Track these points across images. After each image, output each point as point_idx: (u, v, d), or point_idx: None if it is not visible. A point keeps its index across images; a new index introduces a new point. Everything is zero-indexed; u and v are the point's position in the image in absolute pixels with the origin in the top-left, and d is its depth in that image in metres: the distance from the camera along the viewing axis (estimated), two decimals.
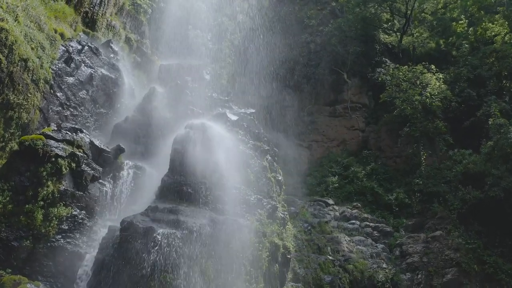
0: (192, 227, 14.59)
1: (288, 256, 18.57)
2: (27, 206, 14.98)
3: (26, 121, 17.26)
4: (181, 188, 16.02)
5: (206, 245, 14.76)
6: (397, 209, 33.36)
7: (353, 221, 32.26)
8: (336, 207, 34.40)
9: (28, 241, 14.71)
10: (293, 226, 28.69)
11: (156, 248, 13.99)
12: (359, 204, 34.45)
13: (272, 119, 41.29)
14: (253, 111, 22.52)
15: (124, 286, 13.93)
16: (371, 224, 32.26)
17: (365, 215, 33.15)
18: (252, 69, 38.89)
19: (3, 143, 16.44)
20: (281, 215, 19.52)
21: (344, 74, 41.64)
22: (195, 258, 14.40)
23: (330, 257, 27.32)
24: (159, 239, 14.01)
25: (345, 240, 29.45)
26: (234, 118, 19.52)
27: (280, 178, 21.60)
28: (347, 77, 41.68)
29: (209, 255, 14.81)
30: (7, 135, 16.54)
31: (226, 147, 17.43)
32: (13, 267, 14.25)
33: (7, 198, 14.83)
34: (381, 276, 27.62)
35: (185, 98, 21.50)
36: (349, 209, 33.63)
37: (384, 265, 28.55)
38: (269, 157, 21.27)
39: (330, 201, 34.89)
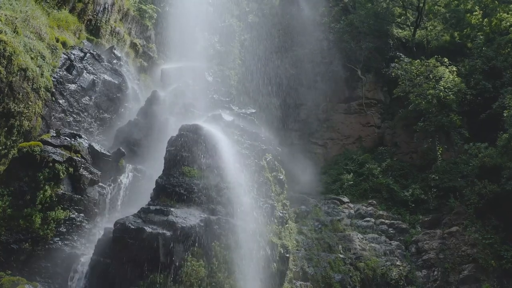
0: (183, 227, 14.85)
1: (287, 255, 18.64)
2: (26, 210, 15.58)
3: (27, 128, 17.83)
4: (173, 189, 16.30)
5: (197, 245, 14.99)
6: (413, 205, 32.94)
7: (368, 219, 32.03)
8: (351, 205, 34.18)
9: (27, 244, 15.30)
10: (303, 225, 28.70)
11: (146, 248, 14.32)
12: (374, 201, 34.16)
13: (286, 118, 41.32)
14: (254, 111, 22.60)
15: (117, 285, 14.32)
16: (386, 221, 31.97)
17: (381, 212, 32.86)
18: (263, 69, 38.97)
19: (6, 150, 17.05)
20: (280, 214, 19.57)
21: (358, 71, 41.29)
22: (186, 257, 14.65)
23: (341, 255, 27.18)
24: (149, 239, 14.33)
25: (358, 238, 29.24)
26: (229, 119, 19.68)
27: (281, 177, 21.67)
28: (361, 73, 41.32)
29: (201, 255, 15.05)
30: (9, 143, 17.13)
31: (220, 148, 17.59)
32: (13, 269, 14.88)
33: (7, 203, 15.45)
34: (394, 273, 27.39)
35: (185, 101, 21.84)
36: (364, 207, 33.37)
37: (398, 263, 28.28)
38: (270, 157, 21.35)
39: (345, 199, 34.66)
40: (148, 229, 14.52)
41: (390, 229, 31.47)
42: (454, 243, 28.85)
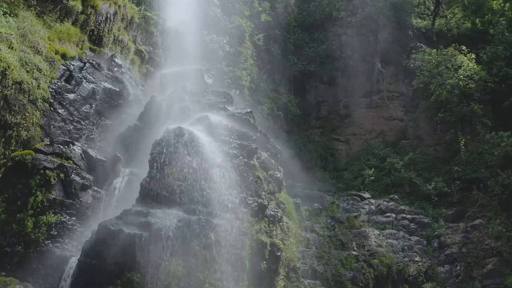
0: (159, 228, 15.25)
1: (277, 254, 18.63)
2: (18, 215, 16.43)
3: (26, 138, 18.80)
4: (155, 191, 16.73)
5: (175, 245, 15.33)
6: (436, 199, 32.16)
7: (388, 214, 31.46)
8: (372, 201, 33.67)
9: (20, 247, 16.15)
10: (316, 223, 28.54)
11: (124, 248, 14.81)
12: (396, 196, 33.58)
13: (307, 116, 41.17)
14: (249, 110, 22.64)
15: (100, 285, 14.90)
16: (408, 216, 31.36)
17: (402, 207, 32.21)
18: (279, 68, 38.99)
19: (4, 160, 18.07)
20: (271, 212, 19.56)
21: (378, 64, 40.54)
22: (163, 257, 15.03)
23: (354, 253, 26.87)
24: (126, 240, 14.82)
25: (374, 234, 28.80)
26: (216, 119, 19.90)
27: (278, 176, 21.65)
28: (382, 66, 40.57)
29: (179, 254, 15.36)
30: (7, 153, 18.15)
31: (203, 149, 17.82)
32: (6, 270, 15.73)
33: (1, 209, 16.38)
34: (412, 269, 26.91)
35: (182, 104, 22.25)
36: (385, 202, 32.82)
37: (417, 258, 27.73)
38: (265, 155, 21.43)
39: (366, 195, 34.20)
40: (126, 230, 15.01)
41: (411, 224, 30.83)
42: (478, 237, 28.10)
